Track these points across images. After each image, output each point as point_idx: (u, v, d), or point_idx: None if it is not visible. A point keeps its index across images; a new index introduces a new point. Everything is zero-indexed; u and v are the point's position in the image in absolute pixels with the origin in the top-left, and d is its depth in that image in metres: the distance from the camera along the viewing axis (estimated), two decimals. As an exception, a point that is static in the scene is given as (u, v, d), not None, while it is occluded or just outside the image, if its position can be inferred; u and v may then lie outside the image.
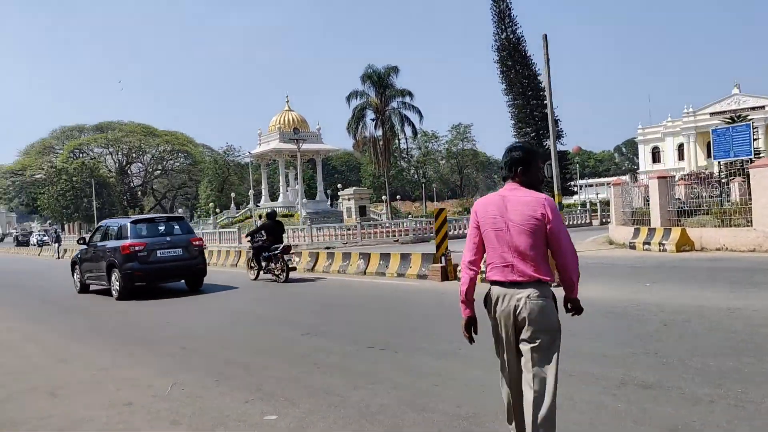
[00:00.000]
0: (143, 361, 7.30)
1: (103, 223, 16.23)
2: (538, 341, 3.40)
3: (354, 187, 51.44)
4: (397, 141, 61.81)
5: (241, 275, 16.97)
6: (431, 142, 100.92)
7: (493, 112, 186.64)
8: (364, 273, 15.11)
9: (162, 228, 14.52)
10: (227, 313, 10.91)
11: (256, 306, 11.80)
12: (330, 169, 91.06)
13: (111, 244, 14.35)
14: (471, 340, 3.70)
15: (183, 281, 14.93)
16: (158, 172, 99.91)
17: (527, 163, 3.58)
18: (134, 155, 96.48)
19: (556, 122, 75.42)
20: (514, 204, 3.47)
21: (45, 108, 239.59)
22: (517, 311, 3.42)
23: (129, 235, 14.02)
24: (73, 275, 16.26)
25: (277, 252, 15.28)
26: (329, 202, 69.75)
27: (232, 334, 8.77)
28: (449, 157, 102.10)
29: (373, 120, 57.21)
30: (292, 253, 16.03)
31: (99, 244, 15.05)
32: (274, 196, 72.49)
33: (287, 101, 72.79)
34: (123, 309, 12.22)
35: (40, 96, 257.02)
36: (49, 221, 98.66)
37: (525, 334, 3.43)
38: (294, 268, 15.78)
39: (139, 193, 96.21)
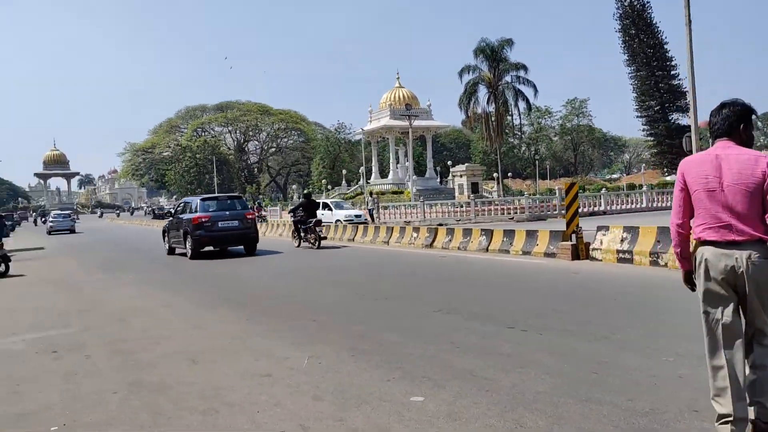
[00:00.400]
0: (275, 330, 7.22)
1: (183, 199, 20.32)
2: (763, 301, 3.28)
3: (466, 164, 50.51)
4: (508, 117, 59.91)
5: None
6: (544, 117, 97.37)
7: (609, 87, 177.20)
8: (486, 250, 14.53)
9: (224, 204, 18.33)
10: (344, 286, 10.74)
11: (378, 282, 11.56)
12: (438, 146, 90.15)
13: (186, 216, 17.95)
14: (693, 289, 3.59)
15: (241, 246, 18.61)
16: (273, 149, 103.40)
17: (748, 119, 3.35)
18: (251, 133, 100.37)
19: (682, 94, 69.96)
20: (730, 163, 3.29)
21: (172, 89, 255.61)
22: (739, 271, 3.26)
23: (198, 209, 17.68)
24: (163, 240, 20.34)
25: (310, 224, 19.18)
26: (438, 179, 69.18)
27: (358, 307, 8.55)
28: (563, 133, 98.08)
29: (485, 95, 55.75)
30: (322, 226, 19.86)
31: (180, 216, 18.55)
32: (383, 173, 72.95)
33: (398, 78, 72.56)
34: (216, 270, 12.43)
35: (169, 78, 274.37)
36: (174, 196, 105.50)
37: (751, 294, 3.28)
38: (324, 238, 19.77)
39: (255, 169, 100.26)
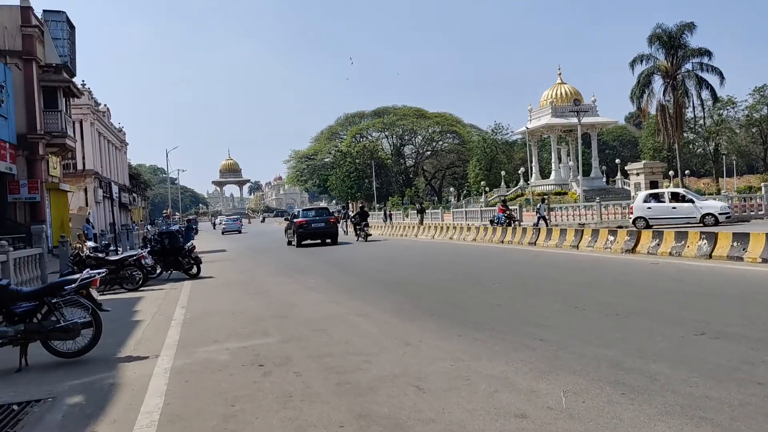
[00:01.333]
0: (499, 350, 6.13)
1: (294, 210, 31.34)
2: None
3: (644, 161, 46.31)
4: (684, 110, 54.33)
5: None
6: (726, 108, 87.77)
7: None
8: (709, 256, 12.38)
9: (316, 212, 29.65)
10: (555, 295, 9.36)
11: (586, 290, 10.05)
12: (601, 144, 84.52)
13: (294, 220, 28.55)
14: None
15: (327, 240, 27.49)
16: (428, 153, 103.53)
17: None
18: (407, 137, 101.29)
19: None
20: None
21: (333, 98, 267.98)
22: None
23: (300, 216, 28.71)
24: (285, 236, 30.43)
25: (363, 225, 29.05)
26: (604, 179, 64.76)
27: (587, 324, 7.19)
28: (749, 125, 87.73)
29: (661, 86, 51.03)
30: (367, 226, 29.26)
31: (293, 220, 29.04)
32: (544, 174, 69.82)
33: (559, 74, 69.14)
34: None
35: (331, 88, 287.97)
36: (334, 201, 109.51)
37: None
38: (370, 234, 29.53)
39: (411, 173, 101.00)
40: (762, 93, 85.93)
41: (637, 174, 40.11)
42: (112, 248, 16.91)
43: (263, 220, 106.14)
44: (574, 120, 64.13)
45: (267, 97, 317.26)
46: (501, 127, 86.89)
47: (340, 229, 31.30)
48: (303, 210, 30.74)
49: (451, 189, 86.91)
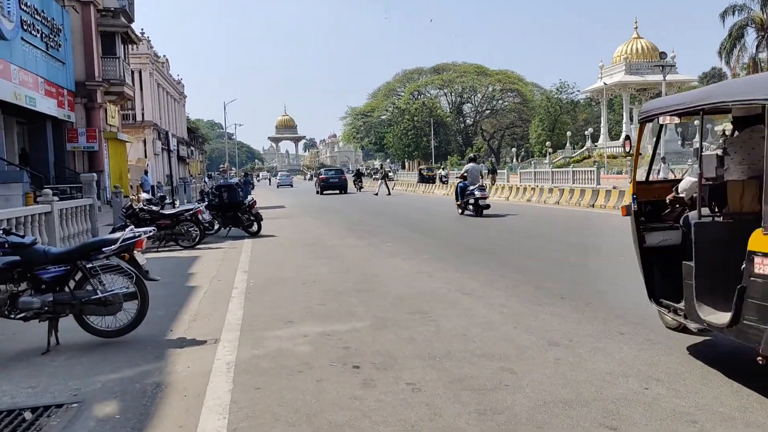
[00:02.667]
0: (675, 357, 4.24)
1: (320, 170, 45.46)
2: None
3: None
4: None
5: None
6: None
7: None
8: None
9: (333, 172, 44.65)
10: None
11: None
12: None
13: (319, 176, 44.77)
14: None
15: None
16: (488, 112, 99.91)
17: None
18: (466, 95, 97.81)
19: None
20: None
21: (392, 53, 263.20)
22: None
23: (323, 174, 44.05)
24: (315, 186, 44.22)
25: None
26: (680, 142, 60.56)
27: None
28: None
29: (755, 40, 46.59)
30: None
31: (318, 176, 44.49)
32: (612, 135, 66.02)
33: (635, 27, 64.44)
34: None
35: (389, 42, 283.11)
36: (388, 159, 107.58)
37: None
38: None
39: (470, 133, 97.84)
40: None
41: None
42: (168, 201, 15.57)
43: (311, 178, 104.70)
44: (651, 77, 60.00)
45: (324, 52, 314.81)
46: (566, 85, 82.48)
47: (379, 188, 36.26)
48: (325, 170, 48.23)
49: (513, 150, 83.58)
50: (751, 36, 46.54)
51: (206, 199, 15.27)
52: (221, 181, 19.77)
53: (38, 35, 22.57)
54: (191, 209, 12.95)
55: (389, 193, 34.89)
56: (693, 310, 3.97)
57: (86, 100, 27.29)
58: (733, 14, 46.50)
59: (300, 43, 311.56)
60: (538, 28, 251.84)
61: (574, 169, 33.70)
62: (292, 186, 64.15)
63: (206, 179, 48.29)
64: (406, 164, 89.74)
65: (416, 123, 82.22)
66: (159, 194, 15.82)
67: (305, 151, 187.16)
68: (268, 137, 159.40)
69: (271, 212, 23.20)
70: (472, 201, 17.81)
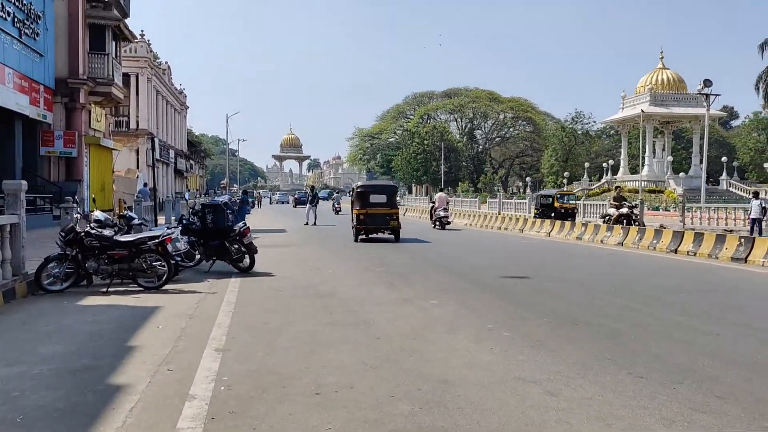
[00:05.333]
0: None
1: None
2: None
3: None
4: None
5: None
6: None
7: None
8: None
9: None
10: None
11: None
12: (687, 140, 75.74)
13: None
14: None
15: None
16: (498, 139, 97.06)
17: None
18: (477, 122, 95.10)
19: None
20: None
21: (401, 77, 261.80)
22: None
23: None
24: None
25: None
26: (704, 179, 57.25)
27: None
28: None
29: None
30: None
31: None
32: (633, 168, 62.86)
33: (661, 58, 61.64)
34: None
35: (398, 66, 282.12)
36: (393, 182, 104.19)
37: None
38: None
39: (481, 158, 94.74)
40: None
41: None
42: (137, 222, 12.14)
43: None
44: (677, 110, 57.04)
45: (334, 73, 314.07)
46: (581, 115, 79.77)
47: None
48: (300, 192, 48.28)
49: (525, 179, 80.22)
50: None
51: (183, 221, 11.73)
52: (212, 199, 16.25)
53: (9, 18, 19.32)
54: (158, 236, 9.40)
55: (315, 223, 27.10)
56: None
57: (67, 99, 23.96)
58: (774, 45, 43.58)
59: (309, 62, 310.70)
60: (552, 58, 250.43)
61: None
62: (288, 203, 69.98)
63: (198, 196, 44.78)
64: (414, 189, 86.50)
65: (426, 147, 79.12)
66: (126, 213, 12.28)
67: (309, 171, 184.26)
68: (273, 155, 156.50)
69: (269, 237, 19.66)
70: (438, 218, 25.47)
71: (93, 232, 9.12)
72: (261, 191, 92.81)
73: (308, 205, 29.38)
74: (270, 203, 76.06)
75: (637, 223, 21.37)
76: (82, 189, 24.10)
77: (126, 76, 37.61)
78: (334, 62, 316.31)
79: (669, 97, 58.46)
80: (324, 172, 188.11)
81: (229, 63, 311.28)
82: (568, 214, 26.36)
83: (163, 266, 9.38)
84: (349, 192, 42.02)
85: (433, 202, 27.23)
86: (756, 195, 21.67)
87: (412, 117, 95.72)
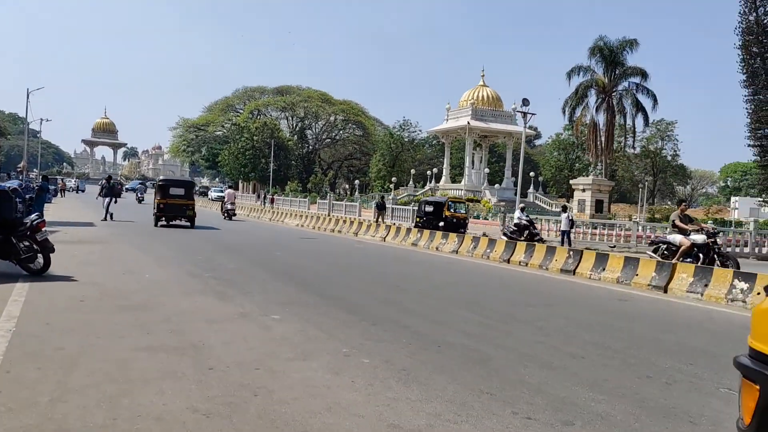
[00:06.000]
0: None
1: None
2: None
3: (592, 176, 43.13)
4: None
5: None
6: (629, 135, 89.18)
7: (690, 112, 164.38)
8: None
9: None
10: None
11: None
12: (499, 156, 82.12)
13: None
14: None
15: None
16: (328, 141, 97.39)
17: None
18: (308, 122, 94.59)
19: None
20: None
21: (230, 69, 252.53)
22: None
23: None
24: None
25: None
26: (515, 191, 62.21)
27: None
28: (643, 155, 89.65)
29: (596, 102, 48.53)
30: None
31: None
32: (453, 178, 66.41)
33: (482, 76, 65.90)
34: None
35: (227, 56, 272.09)
36: (217, 178, 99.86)
37: None
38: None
39: (311, 159, 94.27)
40: (659, 126, 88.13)
41: (584, 190, 36.51)
42: None
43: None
44: (494, 125, 61.19)
45: (157, 56, 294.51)
46: (409, 123, 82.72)
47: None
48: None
49: (353, 182, 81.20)
50: (592, 98, 48.47)
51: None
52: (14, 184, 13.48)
53: None
54: None
55: (108, 218, 23.59)
56: None
57: None
58: (579, 75, 48.11)
59: (130, 40, 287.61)
60: (383, 66, 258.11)
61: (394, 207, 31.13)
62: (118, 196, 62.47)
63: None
64: (241, 185, 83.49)
65: (255, 143, 76.74)
66: None
67: (125, 160, 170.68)
68: (83, 140, 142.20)
69: (73, 232, 17.02)
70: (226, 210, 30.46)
71: None
72: (68, 179, 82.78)
73: (104, 198, 24.26)
74: (77, 194, 68.17)
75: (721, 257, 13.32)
76: None
77: None
78: (159, 44, 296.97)
79: (488, 113, 62.59)
80: (142, 162, 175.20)
81: (35, 31, 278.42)
82: (460, 225, 24.18)
83: None
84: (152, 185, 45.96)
85: (222, 198, 33.68)
86: (564, 209, 23.28)
87: (241, 111, 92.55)
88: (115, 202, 24.47)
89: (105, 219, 23.20)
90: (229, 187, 42.06)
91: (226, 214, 30.23)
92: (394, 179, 64.50)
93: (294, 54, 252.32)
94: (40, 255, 9.28)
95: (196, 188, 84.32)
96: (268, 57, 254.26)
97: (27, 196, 20.01)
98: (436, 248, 18.48)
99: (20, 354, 5.06)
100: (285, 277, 10.56)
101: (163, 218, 22.09)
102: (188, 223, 22.34)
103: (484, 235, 19.96)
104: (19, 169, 66.24)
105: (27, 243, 9.16)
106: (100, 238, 16.30)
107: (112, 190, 24.55)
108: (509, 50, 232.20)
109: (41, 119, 71.40)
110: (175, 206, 22.10)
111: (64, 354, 5.14)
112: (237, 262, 12.45)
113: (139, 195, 48.98)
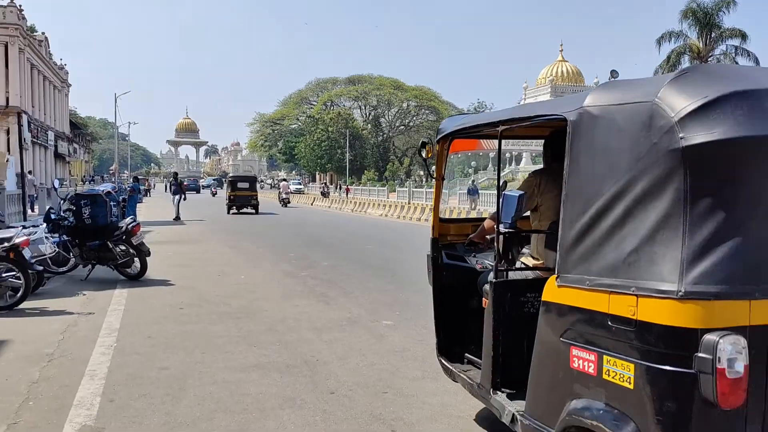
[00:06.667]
0: None
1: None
2: None
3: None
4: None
5: None
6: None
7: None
8: None
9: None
10: None
11: None
12: None
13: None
14: None
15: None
16: (402, 128, 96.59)
17: None
18: (381, 110, 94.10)
19: None
20: None
21: (303, 62, 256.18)
22: None
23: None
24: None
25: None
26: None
27: None
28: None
29: (690, 68, 45.33)
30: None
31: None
32: (534, 159, 64.26)
33: (561, 50, 63.37)
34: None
35: (300, 50, 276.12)
36: (294, 171, 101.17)
37: None
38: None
39: (387, 147, 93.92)
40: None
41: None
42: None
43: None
44: (576, 102, 58.66)
45: (231, 56, 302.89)
46: (483, 105, 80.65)
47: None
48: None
49: (432, 168, 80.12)
50: (686, 65, 45.24)
51: (52, 215, 9.17)
52: (94, 189, 13.54)
53: None
54: (8, 238, 6.92)
55: (178, 217, 22.26)
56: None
57: None
58: (670, 40, 45.07)
59: (205, 45, 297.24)
60: (455, 48, 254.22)
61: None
62: (197, 191, 64.61)
63: (76, 185, 40.63)
64: (318, 176, 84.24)
65: (330, 134, 77.00)
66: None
67: (206, 157, 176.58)
68: (167, 140, 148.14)
69: (167, 231, 17.11)
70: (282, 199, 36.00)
71: None
72: (156, 178, 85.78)
73: (172, 195, 23.07)
74: (166, 191, 70.25)
75: None
76: (-68, 175, 20.18)
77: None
78: (233, 43, 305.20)
79: (568, 89, 59.97)
80: (222, 159, 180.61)
81: (119, 42, 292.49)
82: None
83: (19, 279, 6.95)
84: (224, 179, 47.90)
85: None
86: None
87: (315, 103, 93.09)
88: (184, 199, 23.59)
89: (177, 218, 22.05)
90: (283, 180, 50.68)
91: (282, 203, 34.86)
92: (473, 163, 63.02)
93: (365, 42, 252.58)
94: (136, 259, 9.03)
95: (272, 181, 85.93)
96: (340, 47, 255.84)
97: (120, 198, 20.34)
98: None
99: (123, 377, 4.59)
100: (385, 274, 9.87)
101: (234, 207, 26.63)
102: (253, 211, 26.80)
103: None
104: (111, 172, 69.45)
105: (123, 247, 8.92)
106: (191, 237, 16.25)
107: (180, 187, 23.82)
108: (589, 20, 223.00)
109: (129, 122, 74.40)
110: (242, 197, 26.92)
111: (170, 375, 4.63)
112: (330, 258, 11.90)
113: (213, 190, 56.78)
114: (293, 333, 5.98)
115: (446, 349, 3.75)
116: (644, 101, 2.26)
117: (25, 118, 17.29)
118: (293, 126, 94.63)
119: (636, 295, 2.17)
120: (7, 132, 34.87)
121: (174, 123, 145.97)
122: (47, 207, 20.36)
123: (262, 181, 66.98)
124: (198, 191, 65.66)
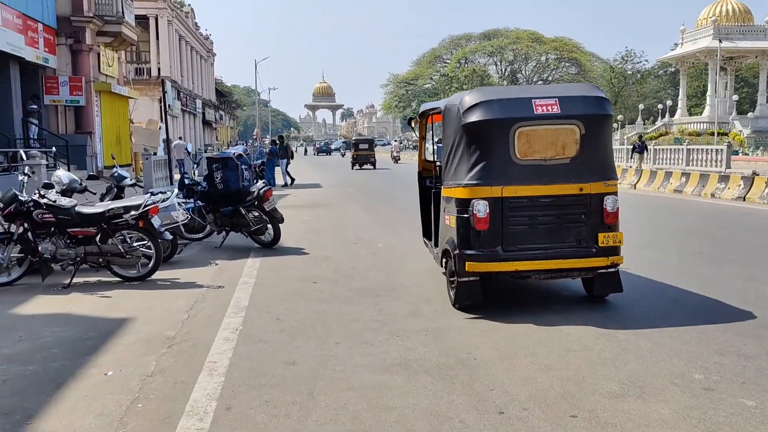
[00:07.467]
0: None
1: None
2: None
3: None
4: None
5: None
6: None
7: None
8: None
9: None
10: None
11: None
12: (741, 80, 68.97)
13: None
14: None
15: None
16: (540, 82, 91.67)
17: None
18: (517, 65, 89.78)
19: None
20: None
21: (436, 19, 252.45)
22: None
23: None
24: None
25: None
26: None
27: None
28: None
29: None
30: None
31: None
32: (689, 110, 58.00)
33: (726, -15, 55.79)
34: None
35: (436, 9, 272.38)
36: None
37: None
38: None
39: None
40: None
41: None
42: (130, 182, 9.28)
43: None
44: (744, 44, 51.77)
45: (365, 18, 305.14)
46: (632, 53, 74.15)
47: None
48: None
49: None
50: None
51: (186, 181, 8.84)
52: (226, 151, 13.32)
53: (-9, -59, 16.35)
54: (138, 205, 6.52)
55: (288, 183, 21.19)
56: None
57: (72, 40, 21.02)
58: None
59: (340, 8, 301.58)
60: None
61: (689, 146, 26.27)
62: (329, 153, 71.58)
63: (217, 149, 42.49)
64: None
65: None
66: (116, 170, 9.36)
67: (342, 120, 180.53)
68: (305, 105, 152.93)
69: (302, 194, 16.84)
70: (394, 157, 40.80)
71: (43, 201, 6.30)
72: (296, 142, 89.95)
73: (280, 160, 21.71)
74: (305, 154, 72.72)
75: None
76: (94, 142, 21.43)
77: (144, 19, 34.62)
78: (364, 6, 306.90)
79: (734, 29, 53.16)
80: (357, 122, 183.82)
81: (256, 9, 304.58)
82: None
83: (149, 249, 6.56)
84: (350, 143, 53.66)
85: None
86: None
87: (449, 61, 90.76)
88: (289, 164, 22.20)
89: (286, 184, 20.92)
90: (395, 140, 60.32)
91: (394, 160, 39.66)
92: (620, 117, 58.29)
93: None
94: (269, 226, 8.49)
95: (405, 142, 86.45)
96: (475, 2, 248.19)
97: (259, 161, 20.39)
98: (711, 194, 15.00)
99: (245, 374, 3.85)
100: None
101: (357, 164, 32.17)
102: (371, 167, 31.94)
103: (756, 174, 15.82)
104: (254, 136, 72.56)
105: (256, 213, 8.40)
106: (327, 201, 15.82)
107: (286, 150, 22.49)
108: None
109: (269, 88, 77.50)
110: (362, 156, 32.50)
111: (298, 375, 3.81)
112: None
113: (342, 152, 62.90)
114: (442, 318, 4.99)
115: (425, 233, 6.83)
116: (456, 104, 5.42)
117: (168, 84, 17.53)
118: (427, 86, 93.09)
119: (455, 186, 5.25)
120: (160, 101, 37.01)
121: (311, 88, 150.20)
122: (195, 171, 21.05)
123: (401, 141, 73.08)
124: (328, 153, 72.87)
